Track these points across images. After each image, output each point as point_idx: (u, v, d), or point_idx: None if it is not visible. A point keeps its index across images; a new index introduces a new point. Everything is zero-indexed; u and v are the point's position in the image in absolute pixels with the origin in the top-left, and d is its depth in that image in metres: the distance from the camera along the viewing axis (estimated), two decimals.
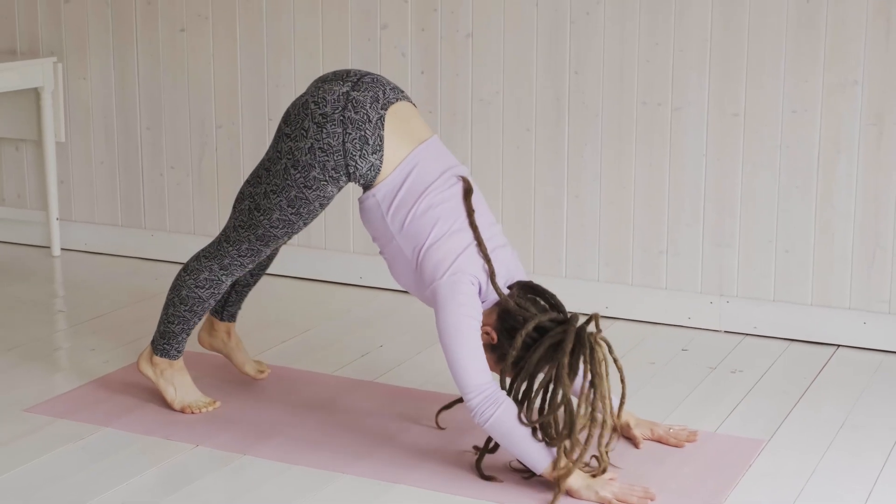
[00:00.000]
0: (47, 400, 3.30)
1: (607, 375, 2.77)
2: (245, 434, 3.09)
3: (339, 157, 2.89)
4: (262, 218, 2.99)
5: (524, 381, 2.81)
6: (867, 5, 3.57)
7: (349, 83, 2.95)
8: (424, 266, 2.87)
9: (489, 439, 2.89)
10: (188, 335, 3.20)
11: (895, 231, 3.66)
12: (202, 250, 3.13)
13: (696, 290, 3.90)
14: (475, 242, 2.88)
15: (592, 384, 2.75)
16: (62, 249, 4.75)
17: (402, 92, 3.02)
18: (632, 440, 3.03)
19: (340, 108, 2.89)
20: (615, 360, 2.85)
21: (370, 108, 2.91)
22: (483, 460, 2.88)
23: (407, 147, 2.94)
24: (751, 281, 3.83)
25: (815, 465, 2.95)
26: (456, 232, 2.89)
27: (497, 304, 2.89)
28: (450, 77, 4.09)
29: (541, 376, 2.80)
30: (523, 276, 3.01)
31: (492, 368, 2.88)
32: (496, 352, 2.87)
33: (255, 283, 3.35)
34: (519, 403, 2.79)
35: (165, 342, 3.18)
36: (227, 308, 3.36)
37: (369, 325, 3.95)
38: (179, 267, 4.52)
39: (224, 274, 3.09)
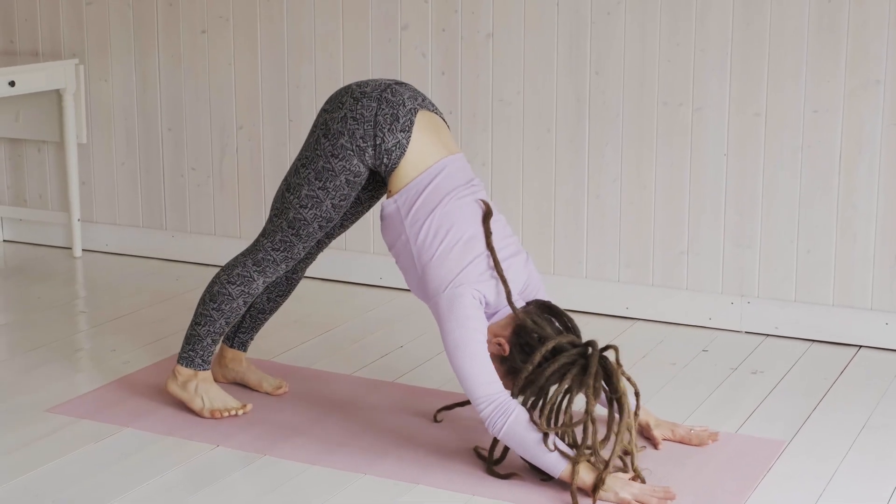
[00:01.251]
0: (69, 400, 3.32)
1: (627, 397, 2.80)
2: (266, 434, 3.10)
3: (369, 127, 2.94)
4: (292, 198, 3.03)
5: (533, 395, 2.82)
6: (889, 5, 3.55)
7: (392, 81, 3.06)
8: (428, 278, 2.89)
9: (492, 448, 2.88)
10: (213, 343, 3.19)
11: None
12: (241, 251, 3.18)
13: (716, 290, 3.89)
14: (487, 255, 2.88)
15: (619, 404, 2.76)
16: (84, 250, 4.77)
17: (438, 110, 3.10)
18: (652, 441, 3.03)
19: (380, 90, 3.00)
20: (629, 380, 2.87)
21: (408, 98, 3.00)
22: (494, 466, 2.87)
23: (434, 153, 2.98)
24: (772, 281, 3.82)
25: (836, 466, 2.94)
26: (465, 242, 2.90)
27: (512, 318, 2.89)
28: (470, 78, 4.09)
29: (551, 391, 2.81)
30: (539, 285, 3.03)
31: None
32: (504, 364, 2.88)
33: (270, 310, 3.34)
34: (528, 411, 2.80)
35: (190, 348, 3.19)
36: (238, 335, 3.36)
37: (390, 325, 3.95)
38: (200, 268, 4.55)
39: (256, 271, 3.10)
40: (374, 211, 4.24)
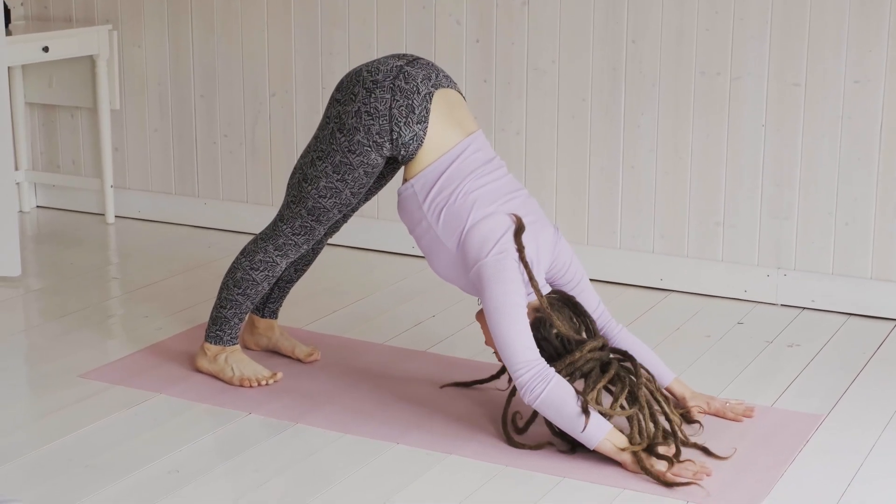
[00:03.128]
0: (102, 366, 3.32)
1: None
2: (298, 402, 3.09)
3: (385, 122, 2.89)
4: (310, 188, 2.99)
5: (566, 377, 2.82)
6: None
7: (404, 60, 2.98)
8: (467, 248, 2.85)
9: (506, 418, 2.86)
10: (240, 321, 3.19)
11: None
12: (259, 233, 3.15)
13: (752, 262, 3.85)
14: (515, 227, 2.86)
15: (637, 405, 2.76)
16: (116, 217, 4.77)
17: (454, 82, 3.04)
18: (687, 413, 3.00)
19: (392, 77, 2.91)
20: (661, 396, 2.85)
21: (421, 82, 2.93)
22: (513, 437, 2.86)
23: (452, 136, 2.94)
24: (809, 254, 3.77)
25: (874, 441, 2.90)
26: (495, 214, 2.87)
27: (532, 307, 2.86)
28: (505, 45, 4.05)
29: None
30: (569, 258, 2.98)
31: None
32: None
33: (297, 278, 3.34)
34: None
35: (218, 328, 3.18)
36: (268, 305, 3.35)
37: (421, 294, 3.93)
38: (232, 235, 4.55)
39: (279, 255, 3.09)
40: None
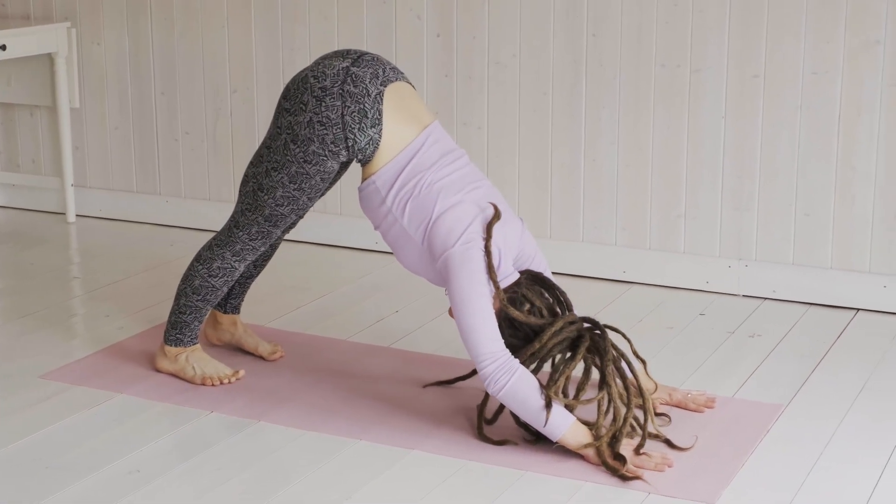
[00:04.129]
0: (63, 366, 3.30)
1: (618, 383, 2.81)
2: (260, 400, 3.08)
3: (338, 131, 2.87)
4: (266, 198, 2.97)
5: (533, 365, 2.83)
6: None
7: (349, 59, 2.93)
8: (434, 238, 2.84)
9: (483, 408, 2.87)
10: (200, 323, 3.18)
11: None
12: (213, 239, 3.12)
13: (714, 253, 3.86)
14: (484, 216, 2.85)
15: (606, 384, 2.77)
16: (77, 216, 4.74)
17: (402, 73, 3.01)
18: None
19: (339, 82, 2.88)
20: (636, 355, 2.90)
21: (370, 83, 2.89)
22: (483, 428, 2.86)
23: (409, 132, 2.92)
24: (770, 244, 3.79)
25: (834, 429, 2.92)
26: (462, 203, 2.86)
27: (504, 290, 2.86)
28: (466, 40, 4.04)
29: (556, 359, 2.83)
30: (536, 253, 2.99)
31: None
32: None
33: (258, 273, 3.32)
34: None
35: (178, 332, 3.17)
36: (230, 300, 3.33)
37: (385, 290, 3.93)
38: (194, 232, 4.53)
39: (237, 260, 3.07)
40: None
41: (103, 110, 4.66)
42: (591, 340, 2.80)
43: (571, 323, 2.82)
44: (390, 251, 4.25)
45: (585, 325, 2.84)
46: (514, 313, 2.80)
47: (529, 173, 4.04)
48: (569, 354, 2.81)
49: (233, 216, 3.07)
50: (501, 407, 2.90)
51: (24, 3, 4.69)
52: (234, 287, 3.31)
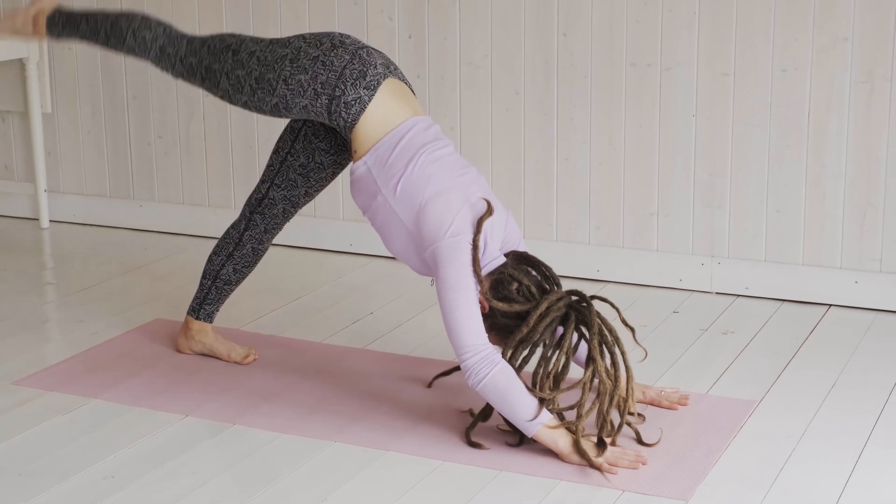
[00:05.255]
0: (36, 372, 3.29)
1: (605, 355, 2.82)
2: (234, 403, 3.08)
3: (333, 77, 2.92)
4: (239, 69, 2.99)
5: (524, 352, 2.82)
6: None
7: (372, 47, 3.04)
8: (423, 225, 2.85)
9: (485, 408, 2.87)
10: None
11: (886, 189, 3.64)
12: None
13: (687, 251, 3.88)
14: (471, 204, 2.86)
15: (591, 358, 2.78)
16: (50, 221, 4.73)
17: (409, 82, 3.09)
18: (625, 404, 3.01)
19: (357, 46, 2.98)
20: (625, 324, 2.91)
21: (380, 62, 2.98)
22: (474, 428, 2.87)
23: (402, 113, 2.96)
24: (742, 242, 3.81)
25: (806, 424, 2.94)
26: (450, 190, 2.87)
27: (489, 275, 2.87)
28: (437, 41, 4.05)
29: (542, 350, 2.82)
30: (518, 238, 3.00)
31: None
32: (486, 321, 2.86)
33: (237, 281, 3.31)
34: (517, 369, 2.80)
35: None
36: (204, 306, 3.32)
37: (360, 291, 3.93)
38: (168, 237, 4.52)
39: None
40: (343, 178, 4.21)
41: (75, 115, 4.65)
42: (579, 314, 2.81)
43: (558, 300, 2.82)
44: (364, 253, 4.26)
45: (573, 297, 2.84)
46: (498, 305, 2.81)
47: (502, 173, 4.05)
48: (556, 339, 2.81)
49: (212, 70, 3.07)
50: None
51: None
52: (210, 292, 3.31)
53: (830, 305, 3.74)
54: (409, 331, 3.56)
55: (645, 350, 3.04)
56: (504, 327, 2.86)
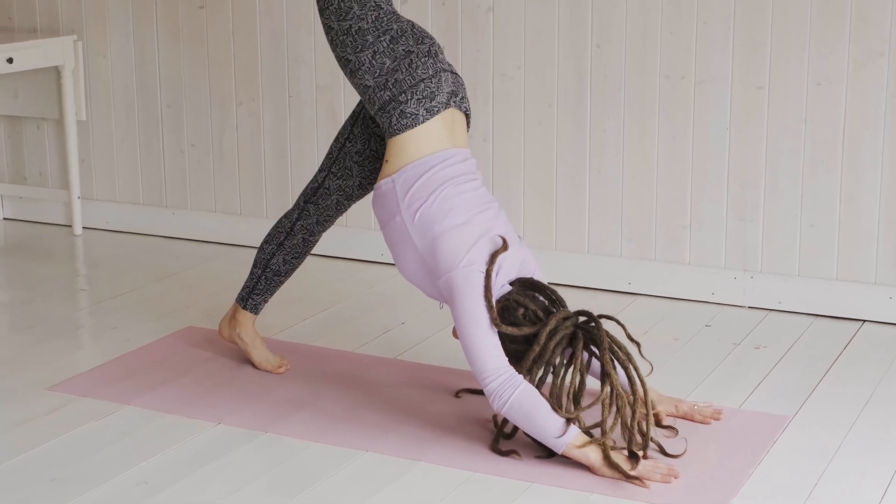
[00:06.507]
0: (69, 378, 3.31)
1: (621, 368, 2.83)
2: (267, 411, 3.09)
3: (409, 82, 2.94)
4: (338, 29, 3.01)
5: (540, 371, 2.82)
6: None
7: (452, 69, 3.07)
8: (438, 254, 2.87)
9: (504, 422, 2.88)
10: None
11: None
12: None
13: (719, 265, 3.87)
14: (490, 238, 2.88)
15: (606, 374, 2.78)
16: (84, 228, 4.75)
17: (469, 111, 3.11)
18: (655, 416, 3.01)
19: (441, 69, 3.00)
20: (631, 340, 2.90)
21: (447, 90, 3.00)
22: (499, 441, 2.87)
23: (444, 141, 2.98)
24: (775, 256, 3.80)
25: (840, 441, 2.92)
26: (469, 224, 2.89)
27: (497, 301, 2.88)
28: (471, 52, 4.05)
29: (560, 371, 2.83)
30: (533, 268, 3.01)
31: None
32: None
33: (287, 272, 3.31)
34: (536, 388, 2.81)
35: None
36: (252, 296, 3.33)
37: (391, 301, 3.93)
38: (200, 244, 4.54)
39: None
40: None
41: (109, 123, 4.68)
42: (587, 333, 2.82)
43: (565, 319, 2.83)
44: (395, 263, 4.25)
45: (581, 318, 2.86)
46: (508, 329, 2.82)
47: (534, 185, 4.05)
48: (567, 358, 2.83)
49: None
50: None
51: (30, 16, 4.71)
52: (259, 282, 3.31)
53: (864, 321, 3.72)
54: (439, 342, 3.56)
55: (650, 363, 3.02)
56: (514, 353, 2.86)
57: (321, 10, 3.04)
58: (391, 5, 3.05)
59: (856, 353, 3.48)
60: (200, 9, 4.43)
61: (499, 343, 2.81)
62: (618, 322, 2.94)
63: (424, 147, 2.95)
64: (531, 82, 3.99)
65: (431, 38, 3.04)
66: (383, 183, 2.97)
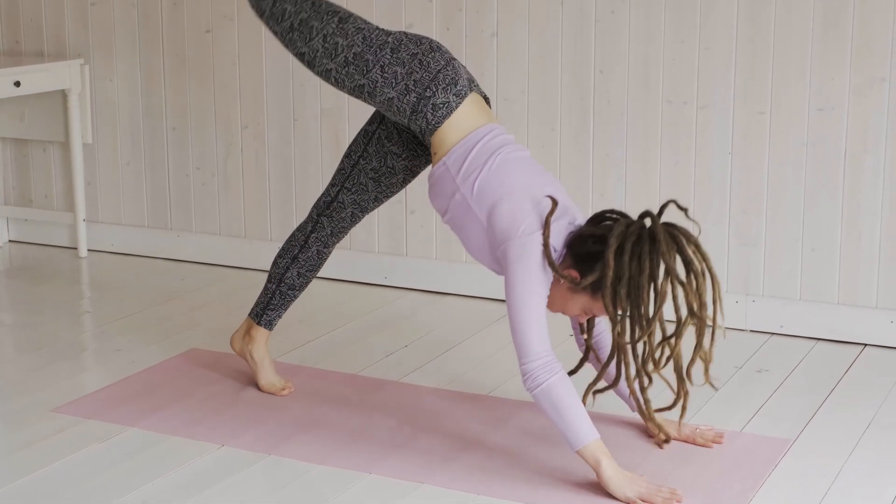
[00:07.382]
0: (74, 400, 3.32)
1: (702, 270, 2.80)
2: (270, 433, 3.10)
3: (427, 78, 2.96)
4: (343, 43, 3.02)
5: (626, 290, 2.74)
6: (894, 2, 3.54)
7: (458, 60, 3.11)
8: (496, 222, 2.86)
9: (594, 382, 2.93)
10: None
11: None
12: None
13: (721, 289, 3.87)
14: (547, 201, 2.84)
15: (691, 272, 2.75)
16: (89, 250, 4.78)
17: (487, 95, 3.13)
18: (656, 440, 3.02)
19: (451, 57, 3.03)
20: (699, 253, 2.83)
21: (465, 76, 3.03)
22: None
23: (481, 119, 3.01)
24: (777, 280, 3.81)
25: (841, 465, 2.93)
26: (526, 187, 2.87)
27: (566, 248, 2.85)
28: (475, 76, 4.07)
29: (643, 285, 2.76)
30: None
31: (587, 312, 2.87)
32: (580, 288, 2.81)
33: (301, 286, 3.32)
34: (645, 327, 2.78)
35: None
36: (267, 311, 3.35)
37: (394, 324, 3.95)
38: (205, 267, 4.56)
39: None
40: (380, 211, 4.24)
41: (115, 146, 4.71)
42: (666, 232, 2.76)
43: (627, 227, 2.77)
44: (398, 286, 4.28)
45: (644, 219, 2.79)
46: (583, 230, 2.81)
47: None
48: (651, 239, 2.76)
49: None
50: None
51: (37, 40, 4.74)
52: (273, 297, 3.33)
53: (866, 345, 3.73)
54: (442, 364, 3.58)
55: (657, 422, 3.03)
56: (590, 253, 2.80)
57: (311, 65, 3.06)
58: (371, 23, 3.08)
59: (857, 377, 3.49)
60: (206, 33, 4.46)
61: (545, 324, 2.79)
62: (678, 206, 2.85)
63: (466, 126, 2.97)
64: (535, 106, 4.02)
65: (428, 38, 3.07)
66: (435, 169, 2.98)
